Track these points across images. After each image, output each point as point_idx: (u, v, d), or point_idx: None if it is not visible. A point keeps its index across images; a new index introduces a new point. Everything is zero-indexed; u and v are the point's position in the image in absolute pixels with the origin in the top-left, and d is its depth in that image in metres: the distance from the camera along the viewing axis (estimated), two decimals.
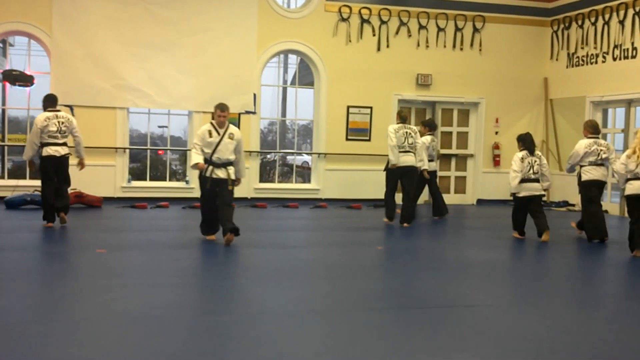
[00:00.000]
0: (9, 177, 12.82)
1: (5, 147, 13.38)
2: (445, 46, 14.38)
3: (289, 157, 17.18)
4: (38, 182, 12.19)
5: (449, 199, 14.70)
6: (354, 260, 7.48)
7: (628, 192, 8.15)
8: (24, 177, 12.32)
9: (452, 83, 14.37)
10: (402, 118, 10.83)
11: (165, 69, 12.91)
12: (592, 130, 9.38)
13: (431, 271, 6.80)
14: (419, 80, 14.15)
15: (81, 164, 9.75)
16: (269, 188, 13.67)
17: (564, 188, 13.84)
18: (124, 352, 3.95)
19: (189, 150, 13.09)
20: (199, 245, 7.54)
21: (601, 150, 9.13)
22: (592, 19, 13.71)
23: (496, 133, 14.76)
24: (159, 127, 18.97)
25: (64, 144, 9.41)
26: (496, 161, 14.71)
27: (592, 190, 9.13)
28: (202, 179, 8.08)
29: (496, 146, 14.71)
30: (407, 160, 10.47)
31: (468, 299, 5.65)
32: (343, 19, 13.78)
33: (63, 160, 9.42)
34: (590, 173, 9.12)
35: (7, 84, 12.64)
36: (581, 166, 9.27)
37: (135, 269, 6.55)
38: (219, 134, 7.96)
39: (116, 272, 6.36)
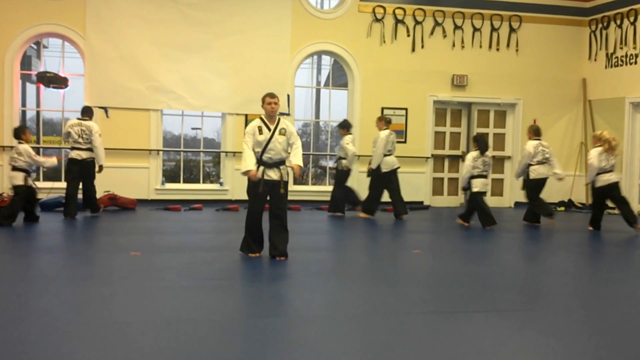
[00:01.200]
0: (44, 180, 12.87)
1: (40, 149, 13.45)
2: (481, 46, 14.17)
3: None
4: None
5: (486, 201, 14.48)
6: (389, 263, 7.33)
7: (600, 184, 10.03)
8: (59, 180, 12.37)
9: (488, 84, 14.17)
10: (389, 122, 11.60)
11: (199, 71, 12.88)
12: (535, 133, 10.91)
13: (467, 275, 6.61)
14: (455, 81, 13.96)
15: (99, 168, 10.66)
16: (303, 190, 13.54)
17: None
18: (161, 356, 3.87)
19: (222, 152, 13.15)
20: (233, 248, 7.43)
21: (545, 150, 10.71)
22: (631, 19, 13.40)
23: None
24: (192, 129, 18.97)
25: (88, 149, 10.46)
26: None
27: (539, 187, 10.72)
28: (252, 181, 7.14)
29: None
30: (395, 161, 11.53)
31: (505, 304, 5.47)
32: (377, 20, 13.64)
33: (84, 164, 10.43)
34: (538, 171, 10.65)
35: (42, 86, 12.72)
36: (529, 165, 10.74)
37: (170, 271, 6.46)
38: (269, 129, 7.07)
39: (151, 274, 6.29)
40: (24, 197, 9.52)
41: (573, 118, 14.67)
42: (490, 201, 14.38)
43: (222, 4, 12.99)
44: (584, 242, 9.50)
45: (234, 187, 12.28)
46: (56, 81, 12.41)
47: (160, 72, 12.74)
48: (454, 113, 14.43)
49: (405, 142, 13.70)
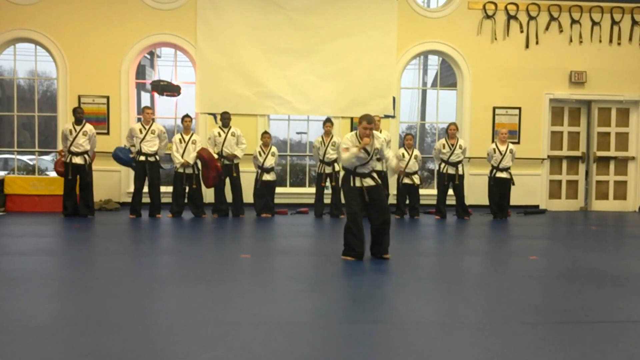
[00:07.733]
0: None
1: None
2: (600, 41, 13.42)
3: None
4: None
5: (608, 205, 13.69)
6: (504, 270, 6.94)
7: None
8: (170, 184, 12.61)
9: (609, 80, 13.39)
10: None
11: (305, 75, 12.88)
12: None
13: (588, 283, 6.13)
14: (572, 77, 13.26)
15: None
16: None
17: None
18: (269, 358, 3.79)
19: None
20: (339, 252, 7.26)
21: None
22: None
23: None
24: (297, 133, 19.01)
25: (81, 154, 10.99)
26: None
27: None
28: (350, 188, 7.09)
29: None
30: None
31: (630, 314, 4.98)
32: (488, 16, 13.17)
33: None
34: None
35: (156, 94, 13.09)
36: None
37: (278, 274, 6.44)
38: (368, 153, 7.04)
39: (260, 277, 6.28)
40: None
41: None
42: (613, 205, 13.62)
43: (327, 8, 12.93)
44: None
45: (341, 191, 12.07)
46: (169, 89, 12.74)
47: (268, 78, 12.84)
48: (572, 112, 13.71)
49: (518, 142, 13.13)
